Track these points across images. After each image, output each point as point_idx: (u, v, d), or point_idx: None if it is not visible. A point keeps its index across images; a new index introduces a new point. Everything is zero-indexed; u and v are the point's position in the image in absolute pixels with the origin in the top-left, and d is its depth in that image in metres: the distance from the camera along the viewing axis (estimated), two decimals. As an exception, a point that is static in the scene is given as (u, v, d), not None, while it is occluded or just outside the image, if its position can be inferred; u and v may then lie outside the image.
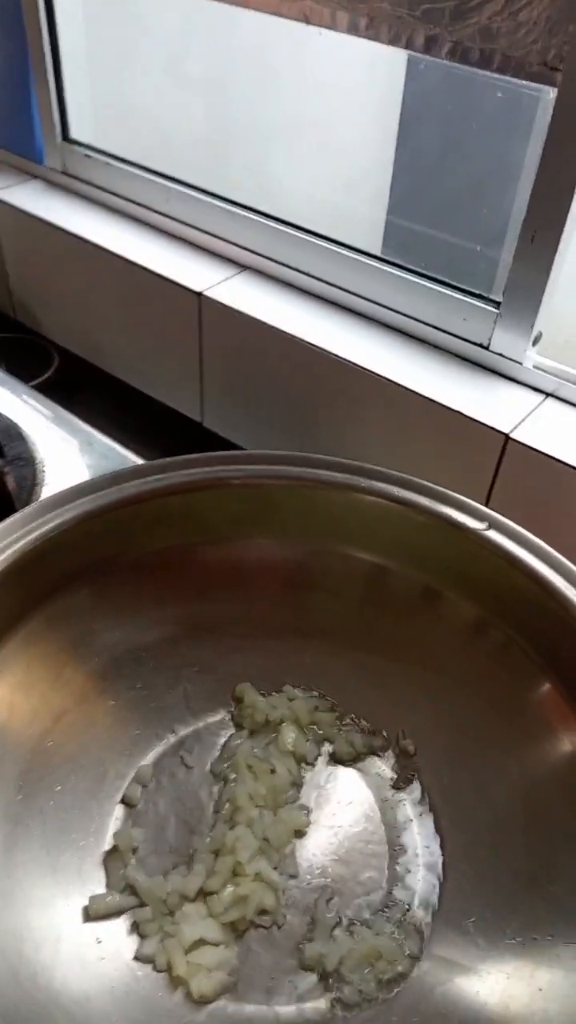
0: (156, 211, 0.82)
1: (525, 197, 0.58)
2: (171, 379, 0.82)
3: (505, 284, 0.62)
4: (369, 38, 0.62)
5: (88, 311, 0.85)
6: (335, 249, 0.72)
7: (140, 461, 0.64)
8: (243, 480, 0.49)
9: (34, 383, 0.81)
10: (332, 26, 0.63)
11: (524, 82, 0.57)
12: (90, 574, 0.48)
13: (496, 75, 0.58)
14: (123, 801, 0.47)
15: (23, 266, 0.89)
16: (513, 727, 0.46)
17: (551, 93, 0.55)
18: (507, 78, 0.57)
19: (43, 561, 0.45)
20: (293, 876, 0.45)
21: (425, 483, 0.50)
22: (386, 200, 0.81)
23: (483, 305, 0.65)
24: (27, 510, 0.45)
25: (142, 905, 0.43)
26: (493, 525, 0.49)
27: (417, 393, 0.63)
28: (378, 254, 0.71)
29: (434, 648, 0.49)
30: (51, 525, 0.45)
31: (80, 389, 0.86)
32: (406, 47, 0.60)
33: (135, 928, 0.43)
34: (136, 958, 0.42)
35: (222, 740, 0.50)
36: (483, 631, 0.48)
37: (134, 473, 0.48)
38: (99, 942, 0.42)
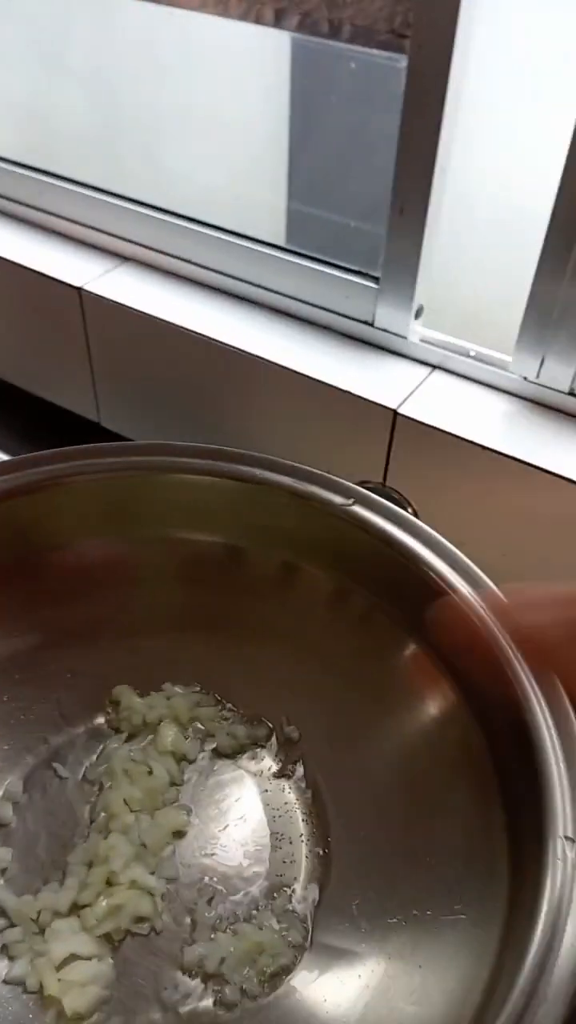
0: (31, 206, 0.79)
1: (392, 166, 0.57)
2: (62, 380, 0.80)
3: (382, 258, 0.62)
4: (219, 14, 0.60)
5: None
6: (220, 236, 0.70)
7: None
8: (93, 473, 0.47)
9: None
10: (179, 4, 0.61)
11: (378, 52, 0.56)
12: None
13: (349, 46, 0.57)
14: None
15: None
16: (385, 696, 0.45)
17: (403, 61, 0.54)
18: (361, 49, 0.57)
19: None
20: (172, 879, 0.44)
21: (289, 463, 0.49)
22: (285, 187, 0.80)
23: (364, 282, 0.64)
24: None
25: (12, 926, 0.41)
26: (358, 500, 0.48)
27: (307, 376, 0.62)
28: (280, 242, 0.69)
29: (302, 625, 0.48)
30: None
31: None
32: (256, 22, 0.59)
33: (3, 950, 0.41)
34: (5, 981, 0.40)
35: (98, 747, 0.48)
36: (344, 599, 0.48)
37: (-25, 476, 0.46)
38: (-37, 970, 0.40)
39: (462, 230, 0.64)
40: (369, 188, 0.72)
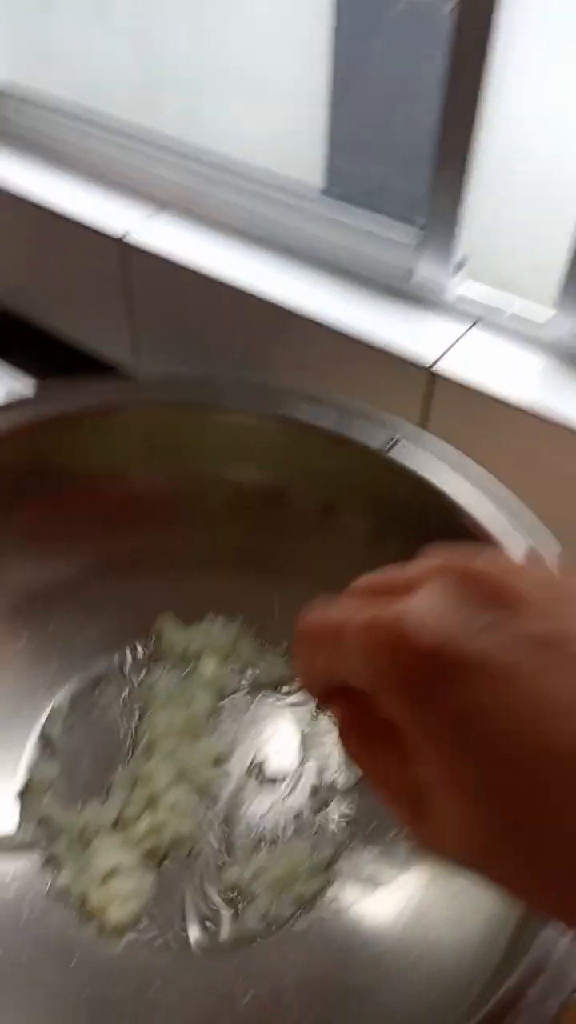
0: (75, 150, 0.79)
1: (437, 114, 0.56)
2: (101, 326, 0.80)
3: (426, 204, 0.60)
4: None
5: (12, 261, 0.82)
6: (261, 183, 0.69)
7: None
8: (143, 405, 0.47)
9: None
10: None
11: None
12: (-9, 508, 0.47)
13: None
14: (40, 738, 0.46)
15: None
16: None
17: (449, 5, 0.52)
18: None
19: None
20: (212, 803, 0.44)
21: (334, 399, 0.49)
22: (326, 137, 0.79)
23: (405, 234, 0.63)
24: None
25: (56, 839, 0.42)
26: (402, 436, 0.47)
27: (342, 330, 0.60)
28: (316, 189, 0.68)
29: (340, 565, 0.46)
30: None
31: (9, 349, 0.84)
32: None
33: (49, 862, 0.42)
34: (48, 892, 0.41)
35: (140, 675, 0.49)
36: (381, 542, 0.47)
37: (26, 400, 0.46)
38: (9, 877, 0.41)
39: (504, 183, 0.63)
40: (411, 138, 0.71)
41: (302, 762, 0.46)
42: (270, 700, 0.49)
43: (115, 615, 0.50)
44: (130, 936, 0.40)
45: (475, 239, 0.60)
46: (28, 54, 0.85)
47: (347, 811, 0.44)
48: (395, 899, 0.40)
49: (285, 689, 0.49)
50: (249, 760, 0.46)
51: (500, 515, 0.42)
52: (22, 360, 0.74)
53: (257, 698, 0.49)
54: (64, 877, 0.41)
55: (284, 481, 0.50)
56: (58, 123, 0.79)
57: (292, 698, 0.49)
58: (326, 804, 0.44)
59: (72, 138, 0.78)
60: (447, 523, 0.43)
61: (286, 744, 0.47)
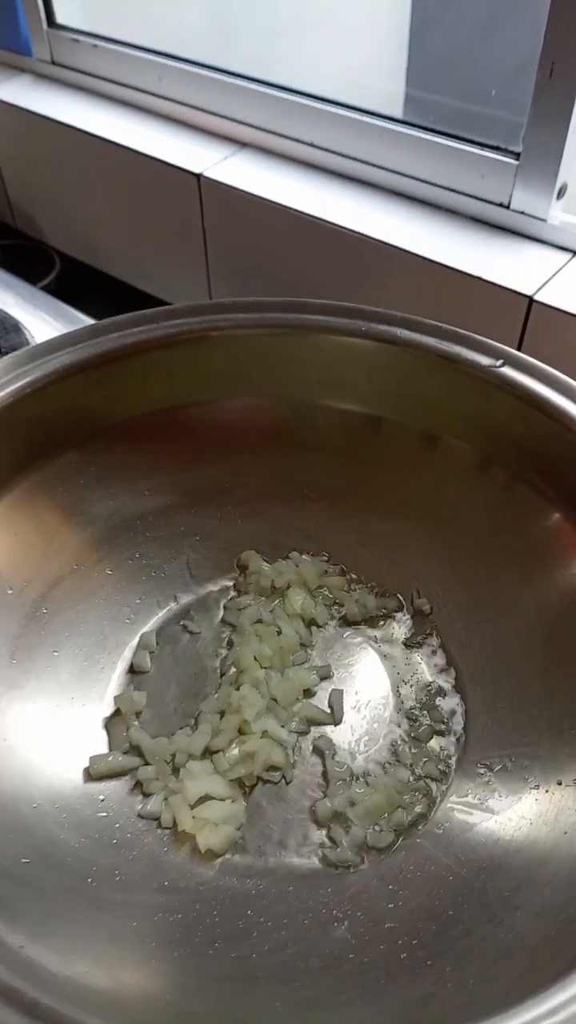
0: (150, 93, 0.77)
1: (543, 28, 0.52)
2: (176, 274, 0.79)
3: (524, 130, 0.57)
4: None
5: (87, 209, 0.82)
6: (344, 114, 0.67)
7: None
8: (230, 330, 0.46)
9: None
10: None
11: None
12: (76, 438, 0.46)
13: None
14: (127, 667, 0.46)
15: (20, 167, 0.86)
16: (525, 566, 0.43)
17: None
18: None
19: (24, 420, 0.43)
20: (303, 733, 0.43)
21: (432, 322, 0.46)
22: (404, 72, 0.76)
23: (502, 158, 0.60)
24: (0, 362, 0.43)
25: (146, 766, 0.42)
26: (508, 361, 0.45)
27: (435, 262, 0.58)
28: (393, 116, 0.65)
29: (438, 498, 0.46)
30: (27, 380, 0.42)
31: (82, 295, 0.83)
32: None
33: (138, 787, 0.41)
34: (140, 815, 0.40)
35: (227, 607, 0.48)
36: (486, 471, 0.45)
37: (114, 325, 0.45)
38: (102, 800, 0.41)
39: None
40: (505, 60, 0.67)
41: (394, 695, 0.45)
42: (359, 635, 0.47)
43: (199, 548, 0.50)
44: (222, 861, 0.39)
45: (573, 171, 0.57)
46: (102, 1, 0.84)
47: (439, 744, 0.42)
48: (498, 833, 0.38)
49: (374, 625, 0.48)
50: (340, 691, 0.45)
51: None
52: (93, 315, 0.74)
53: (346, 633, 0.48)
54: (154, 802, 0.41)
55: (380, 410, 0.48)
56: (135, 67, 0.77)
57: (382, 633, 0.48)
58: (418, 737, 0.43)
59: (150, 82, 0.77)
60: (557, 447, 0.41)
61: (377, 678, 0.46)
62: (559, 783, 0.38)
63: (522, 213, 0.60)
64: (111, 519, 0.48)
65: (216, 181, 0.69)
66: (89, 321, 0.68)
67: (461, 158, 0.62)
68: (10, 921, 0.33)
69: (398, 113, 0.74)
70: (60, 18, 0.82)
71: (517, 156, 0.59)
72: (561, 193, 0.59)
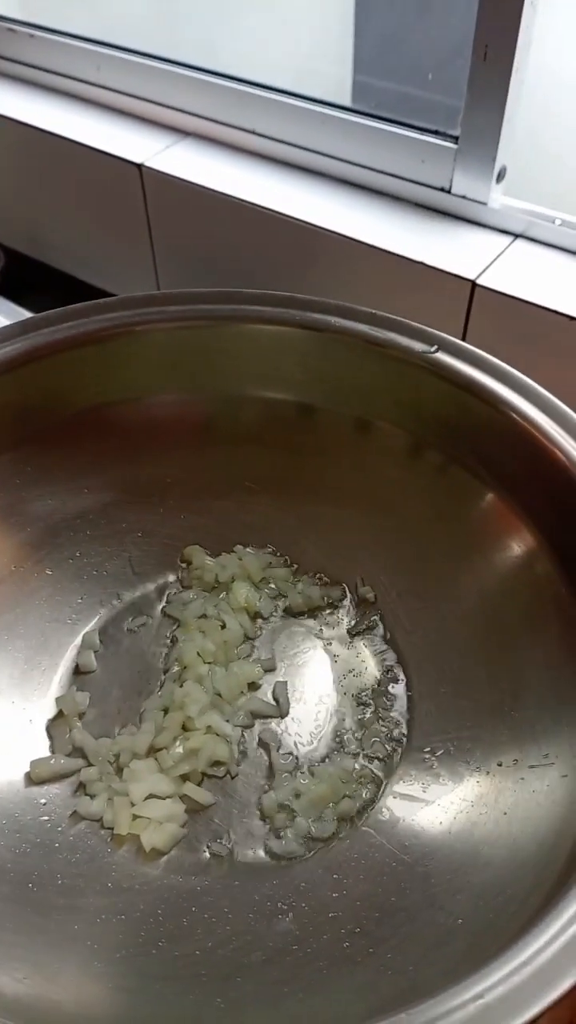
0: (89, 83, 0.76)
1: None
2: (122, 266, 0.78)
3: (461, 114, 0.57)
4: None
5: (30, 203, 0.80)
6: (286, 101, 0.66)
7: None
8: (161, 323, 0.45)
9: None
10: None
11: None
12: (10, 439, 0.45)
13: None
14: (70, 668, 0.45)
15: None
16: (464, 549, 0.43)
17: None
18: None
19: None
20: (247, 727, 0.43)
21: (367, 310, 0.46)
22: (351, 58, 0.75)
23: (441, 142, 0.59)
24: None
25: (89, 767, 0.41)
26: (442, 347, 0.45)
27: (379, 248, 0.58)
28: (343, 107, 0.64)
29: (376, 485, 0.46)
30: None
31: (28, 289, 0.82)
32: None
33: (82, 789, 0.41)
34: (83, 818, 0.40)
35: (170, 603, 0.48)
36: (420, 455, 0.45)
37: (44, 320, 0.44)
38: (43, 804, 0.40)
39: (548, 85, 0.59)
40: (442, 42, 0.67)
41: (339, 684, 0.45)
42: (303, 627, 0.47)
43: (142, 544, 0.49)
44: (167, 859, 0.39)
45: (518, 145, 0.57)
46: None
47: (384, 731, 0.43)
48: (440, 817, 0.38)
49: (318, 616, 0.48)
50: (284, 683, 0.45)
51: (545, 418, 0.39)
52: (41, 309, 0.73)
53: (290, 625, 0.47)
54: (98, 804, 0.40)
55: (314, 398, 0.47)
56: (73, 56, 0.76)
57: (326, 623, 0.47)
58: (364, 725, 0.43)
59: (89, 71, 0.76)
60: (490, 430, 0.41)
61: (321, 668, 0.45)
62: (499, 764, 0.39)
63: (463, 197, 0.60)
64: (50, 519, 0.48)
65: (158, 171, 0.68)
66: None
67: (402, 144, 0.61)
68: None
69: (347, 99, 0.73)
70: (-5, 8, 0.80)
71: (456, 140, 0.59)
72: (500, 176, 0.58)
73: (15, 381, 0.44)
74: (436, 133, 0.60)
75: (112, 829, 0.40)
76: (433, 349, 0.44)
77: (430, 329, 0.45)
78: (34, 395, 0.45)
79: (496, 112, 0.55)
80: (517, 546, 0.40)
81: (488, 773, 0.38)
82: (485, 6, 0.51)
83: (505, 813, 0.37)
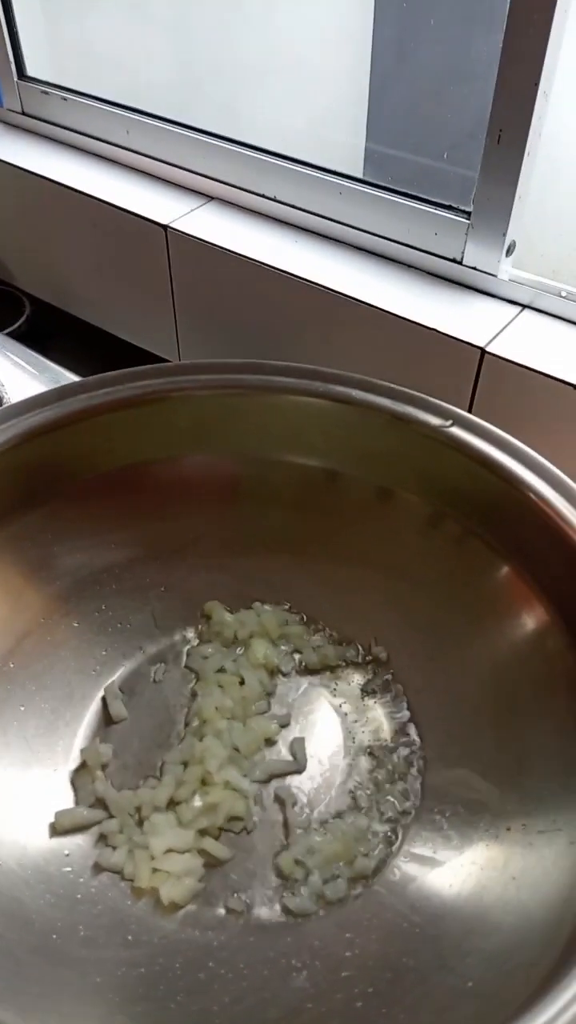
0: (119, 145, 0.80)
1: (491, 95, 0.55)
2: (144, 320, 0.81)
3: (475, 191, 0.60)
4: None
5: (57, 256, 0.83)
6: (306, 172, 0.69)
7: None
8: (192, 391, 0.47)
9: (3, 333, 0.80)
10: None
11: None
12: (43, 496, 0.47)
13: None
14: (93, 719, 0.47)
15: (-11, 214, 0.88)
16: (477, 618, 0.45)
17: None
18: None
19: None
20: (264, 783, 0.45)
21: (387, 384, 0.49)
22: (364, 127, 0.79)
23: (454, 217, 0.63)
24: (-32, 427, 0.44)
25: (110, 819, 0.43)
26: (457, 422, 0.47)
27: (392, 313, 0.60)
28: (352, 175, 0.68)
29: (394, 550, 0.48)
30: (-5, 441, 0.44)
31: (52, 337, 0.85)
32: None
33: (102, 840, 0.42)
34: (104, 870, 0.41)
35: (191, 658, 0.49)
36: (438, 524, 0.47)
37: (80, 387, 0.47)
38: (66, 855, 0.41)
39: (560, 162, 0.62)
40: (457, 123, 0.70)
41: (352, 742, 0.46)
42: (319, 683, 0.49)
43: (165, 599, 0.51)
44: (184, 913, 0.40)
45: (529, 220, 0.60)
46: (70, 53, 0.87)
47: (401, 792, 0.44)
48: (450, 879, 0.40)
49: (332, 673, 0.49)
50: (300, 740, 0.46)
51: (558, 497, 0.41)
52: (64, 356, 0.75)
53: (306, 681, 0.49)
54: (118, 856, 0.41)
55: (337, 465, 0.50)
56: (103, 120, 0.80)
57: (340, 680, 0.49)
58: (376, 784, 0.44)
59: (118, 135, 0.79)
60: (505, 505, 0.43)
61: (334, 725, 0.47)
62: (508, 829, 0.40)
63: (474, 268, 0.63)
64: (78, 572, 0.49)
65: (183, 232, 0.71)
66: (57, 367, 0.69)
67: (416, 215, 0.64)
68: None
69: (358, 166, 0.77)
70: (31, 70, 0.84)
71: (468, 215, 0.62)
72: (510, 251, 0.61)
73: (51, 443, 0.46)
74: (449, 208, 0.63)
75: (132, 881, 0.41)
76: (448, 424, 0.47)
77: (446, 405, 0.48)
78: (68, 455, 0.48)
79: (508, 191, 0.58)
80: (530, 619, 0.42)
81: (497, 837, 0.40)
82: (501, 94, 0.55)
83: (514, 878, 0.38)
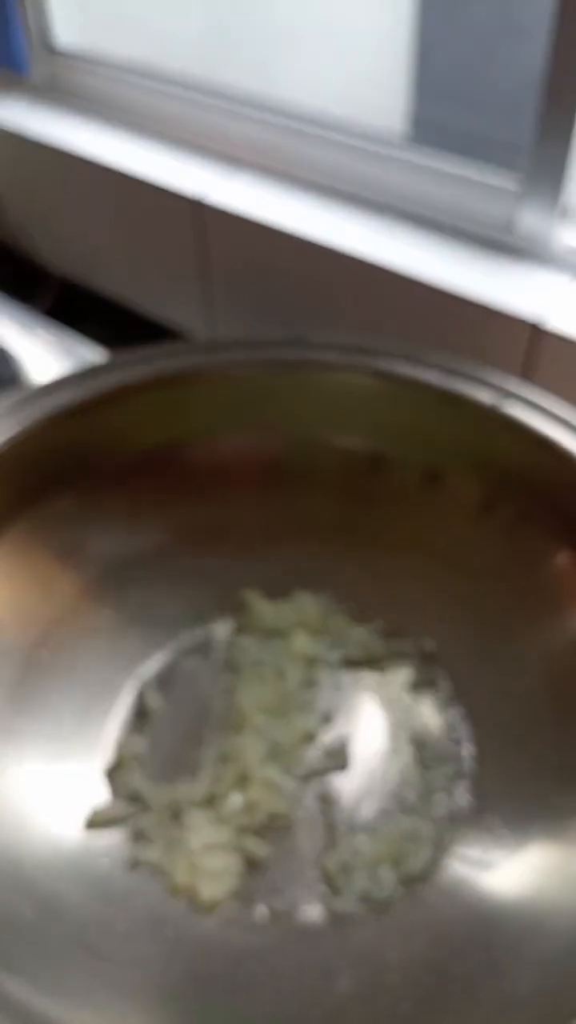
0: (150, 115, 0.77)
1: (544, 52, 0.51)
2: (176, 297, 0.78)
3: (527, 152, 0.56)
4: None
5: (86, 232, 0.82)
6: (346, 140, 0.66)
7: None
8: (227, 368, 0.45)
9: (29, 309, 0.79)
10: None
11: None
12: (74, 478, 0.46)
13: None
14: (128, 712, 0.45)
15: (18, 190, 0.86)
16: (532, 606, 0.42)
17: None
18: None
19: (18, 462, 0.42)
20: (306, 780, 0.43)
21: (435, 357, 0.46)
22: (404, 89, 0.75)
23: (503, 181, 0.59)
24: (-2, 407, 0.42)
25: (145, 815, 0.42)
26: (513, 397, 0.44)
27: (436, 287, 0.57)
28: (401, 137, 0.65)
29: (443, 536, 0.46)
30: (20, 423, 0.42)
31: (82, 318, 0.83)
32: None
33: (139, 836, 0.41)
34: (139, 867, 0.40)
35: (228, 649, 0.48)
36: (491, 509, 0.45)
37: (111, 366, 0.45)
38: (102, 849, 0.40)
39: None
40: (510, 82, 0.67)
41: (398, 739, 0.44)
42: (363, 677, 0.47)
43: (201, 587, 0.49)
44: (223, 912, 0.39)
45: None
46: (96, 16, 0.84)
47: (450, 791, 0.42)
48: (504, 882, 0.38)
49: (377, 666, 0.47)
50: (343, 737, 0.44)
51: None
52: (93, 331, 0.74)
53: (349, 674, 0.47)
54: (154, 852, 0.40)
55: (382, 445, 0.47)
56: (129, 84, 0.77)
57: (386, 674, 0.47)
58: (424, 782, 0.42)
59: (144, 99, 0.77)
60: (564, 485, 0.40)
61: (379, 721, 0.45)
62: (566, 831, 0.38)
63: (527, 236, 0.60)
64: (110, 559, 0.48)
65: (215, 203, 0.68)
66: (82, 346, 0.68)
67: (465, 181, 0.61)
68: (11, 971, 0.33)
69: (397, 129, 0.73)
70: (59, 40, 0.82)
71: (520, 178, 0.58)
72: (565, 215, 0.58)
73: (80, 424, 0.44)
74: (501, 171, 0.60)
75: (169, 879, 0.40)
76: (503, 400, 0.44)
77: (500, 380, 0.45)
78: (99, 437, 0.46)
79: (563, 151, 0.55)
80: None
81: (554, 839, 0.38)
82: (556, 45, 0.51)
83: (570, 882, 0.36)
